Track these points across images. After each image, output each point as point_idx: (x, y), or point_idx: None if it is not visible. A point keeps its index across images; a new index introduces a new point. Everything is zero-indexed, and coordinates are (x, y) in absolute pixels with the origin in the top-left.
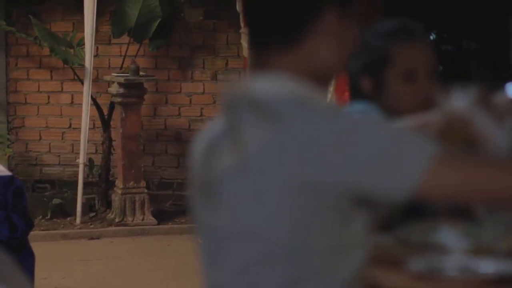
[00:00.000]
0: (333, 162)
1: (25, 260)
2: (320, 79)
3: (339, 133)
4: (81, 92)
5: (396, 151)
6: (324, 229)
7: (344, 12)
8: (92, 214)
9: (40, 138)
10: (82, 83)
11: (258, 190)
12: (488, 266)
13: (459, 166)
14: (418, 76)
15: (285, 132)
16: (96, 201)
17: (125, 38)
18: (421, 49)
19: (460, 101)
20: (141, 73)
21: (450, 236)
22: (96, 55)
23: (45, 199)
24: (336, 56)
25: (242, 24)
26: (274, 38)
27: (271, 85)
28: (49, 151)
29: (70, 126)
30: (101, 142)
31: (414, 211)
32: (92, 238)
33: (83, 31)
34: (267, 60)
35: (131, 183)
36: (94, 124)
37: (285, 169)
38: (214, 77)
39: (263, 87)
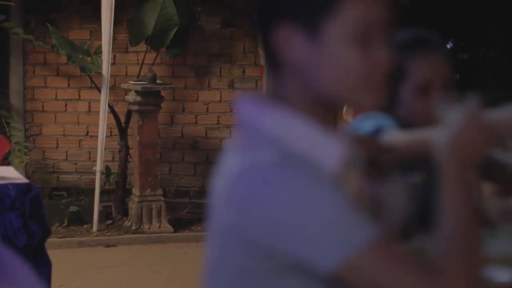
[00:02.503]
0: (267, 224)
1: (42, 267)
2: (325, 106)
3: (285, 194)
4: (98, 100)
5: (330, 229)
6: None
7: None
8: (109, 221)
9: (57, 146)
10: (99, 91)
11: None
12: (504, 275)
13: (380, 265)
14: (433, 89)
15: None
16: (113, 209)
17: (142, 46)
18: (437, 62)
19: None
20: (158, 81)
21: None
22: (113, 63)
23: (62, 206)
24: (342, 79)
25: None
26: None
27: (274, 123)
28: (66, 159)
29: (87, 134)
30: (118, 150)
31: (432, 220)
32: (108, 246)
33: (101, 39)
34: (281, 82)
35: (148, 190)
36: (111, 132)
37: (232, 219)
38: (231, 85)
39: (267, 123)
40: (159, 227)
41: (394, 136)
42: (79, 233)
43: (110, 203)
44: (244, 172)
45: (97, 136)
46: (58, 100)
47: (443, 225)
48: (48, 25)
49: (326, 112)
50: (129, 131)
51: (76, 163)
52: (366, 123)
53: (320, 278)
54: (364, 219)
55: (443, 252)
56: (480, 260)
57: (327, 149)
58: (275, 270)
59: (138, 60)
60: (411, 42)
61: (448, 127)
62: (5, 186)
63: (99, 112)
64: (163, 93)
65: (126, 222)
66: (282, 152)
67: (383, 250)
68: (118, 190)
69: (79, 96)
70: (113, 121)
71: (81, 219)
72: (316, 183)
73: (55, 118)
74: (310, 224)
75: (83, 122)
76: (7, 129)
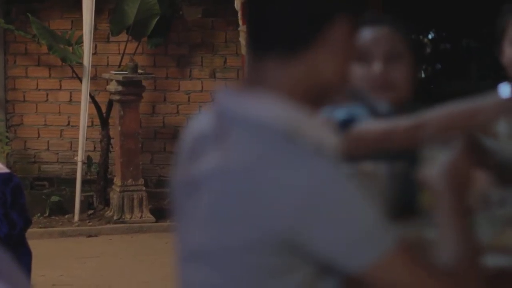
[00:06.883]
0: (296, 219)
1: (22, 257)
2: (321, 96)
3: (313, 189)
4: (80, 90)
5: (359, 231)
6: None
7: (354, 23)
8: (90, 211)
9: (39, 136)
10: (81, 81)
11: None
12: (485, 262)
13: (407, 267)
14: (372, 59)
15: (258, 168)
16: (94, 199)
17: (124, 36)
18: (377, 34)
19: (434, 167)
20: (139, 71)
21: None
22: (94, 53)
23: (43, 196)
24: (341, 71)
25: (240, 22)
26: (277, 47)
27: (265, 108)
28: (48, 149)
29: (68, 124)
30: (99, 139)
31: (410, 207)
32: (90, 236)
33: (82, 29)
34: (265, 72)
35: (129, 180)
36: (92, 122)
37: (243, 214)
38: (213, 75)
39: (257, 109)
40: (141, 217)
41: (368, 125)
42: (60, 223)
43: (91, 193)
44: (271, 168)
45: (79, 126)
46: (39, 90)
47: (446, 247)
48: (29, 14)
49: (319, 101)
50: (110, 121)
51: (57, 153)
52: (339, 112)
53: (338, 275)
54: (388, 223)
55: (453, 263)
56: (481, 267)
57: (324, 133)
58: (294, 266)
59: (119, 50)
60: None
61: (439, 162)
62: None
63: (80, 102)
64: (144, 82)
65: (107, 212)
66: (304, 148)
67: (408, 254)
68: (99, 180)
69: (60, 86)
70: (95, 111)
71: (63, 209)
72: (347, 183)
73: (36, 108)
74: (343, 225)
75: (65, 112)
76: None
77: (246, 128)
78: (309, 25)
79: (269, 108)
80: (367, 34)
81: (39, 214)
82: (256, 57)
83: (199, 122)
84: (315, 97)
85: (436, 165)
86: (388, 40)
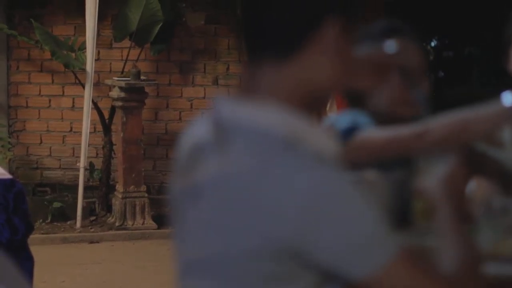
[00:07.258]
0: (299, 226)
1: (24, 263)
2: (315, 101)
3: (314, 195)
4: (82, 96)
5: (361, 238)
6: None
7: (347, 27)
8: (93, 218)
9: (41, 142)
10: (83, 87)
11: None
12: (487, 269)
13: (410, 274)
14: (394, 73)
15: (258, 175)
16: (97, 205)
17: (127, 42)
18: (399, 47)
19: (431, 178)
20: (142, 77)
21: None
22: (97, 59)
23: (45, 202)
24: (335, 75)
25: None
26: (271, 51)
27: (263, 115)
28: (50, 155)
29: (71, 130)
30: (102, 146)
31: (409, 215)
32: (92, 242)
33: (85, 35)
34: (261, 78)
35: (132, 187)
36: (95, 128)
37: (243, 221)
38: (215, 82)
39: (255, 116)
40: (143, 223)
41: (370, 133)
42: (62, 229)
43: (93, 199)
44: (273, 176)
45: (81, 132)
46: (42, 96)
47: (447, 255)
48: (32, 20)
49: (315, 106)
50: (113, 127)
51: (59, 159)
52: (342, 120)
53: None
54: (390, 230)
55: (454, 270)
56: (482, 274)
57: (324, 139)
58: (295, 274)
59: (122, 56)
60: (383, 29)
61: (437, 172)
62: None
63: (83, 108)
64: (147, 89)
65: (109, 218)
66: (306, 153)
67: (411, 261)
68: (101, 186)
69: (63, 92)
70: (97, 117)
71: (65, 215)
72: (349, 189)
73: (39, 114)
74: (345, 232)
75: (67, 118)
76: None
77: (245, 136)
78: (302, 27)
79: (267, 115)
80: (388, 47)
81: (41, 220)
82: (251, 63)
83: (197, 130)
84: (312, 102)
85: (434, 175)
86: (409, 54)
